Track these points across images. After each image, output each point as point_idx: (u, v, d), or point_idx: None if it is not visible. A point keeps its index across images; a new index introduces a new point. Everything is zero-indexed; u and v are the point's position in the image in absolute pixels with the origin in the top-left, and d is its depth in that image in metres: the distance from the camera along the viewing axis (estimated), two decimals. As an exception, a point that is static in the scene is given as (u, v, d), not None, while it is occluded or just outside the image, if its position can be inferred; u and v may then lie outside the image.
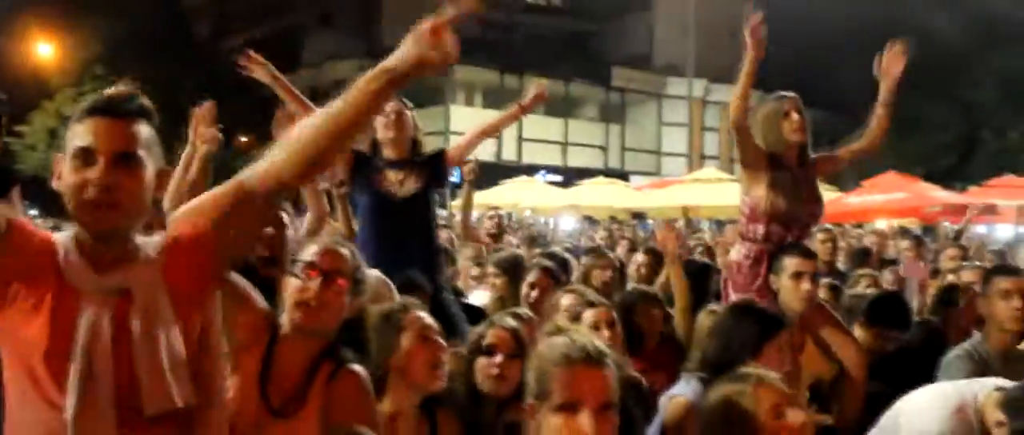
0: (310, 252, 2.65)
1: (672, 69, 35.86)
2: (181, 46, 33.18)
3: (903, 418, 3.34)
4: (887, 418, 3.44)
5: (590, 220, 19.06)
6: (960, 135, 35.97)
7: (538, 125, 34.11)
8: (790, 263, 4.09)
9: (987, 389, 3.18)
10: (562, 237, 11.97)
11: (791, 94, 4.53)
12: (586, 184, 22.03)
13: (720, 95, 35.45)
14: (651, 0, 37.54)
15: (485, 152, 31.61)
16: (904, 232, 12.58)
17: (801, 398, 2.62)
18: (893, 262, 8.35)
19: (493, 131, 5.29)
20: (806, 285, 4.05)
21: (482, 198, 21.90)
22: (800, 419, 2.51)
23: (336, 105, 2.08)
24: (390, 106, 4.64)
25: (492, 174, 24.77)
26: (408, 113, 4.81)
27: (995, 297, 4.01)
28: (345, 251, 2.70)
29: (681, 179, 21.25)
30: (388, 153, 4.74)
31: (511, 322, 3.27)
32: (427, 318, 2.94)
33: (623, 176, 30.62)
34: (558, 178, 28.88)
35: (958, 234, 11.15)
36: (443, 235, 7.08)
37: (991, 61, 34.84)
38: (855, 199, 16.23)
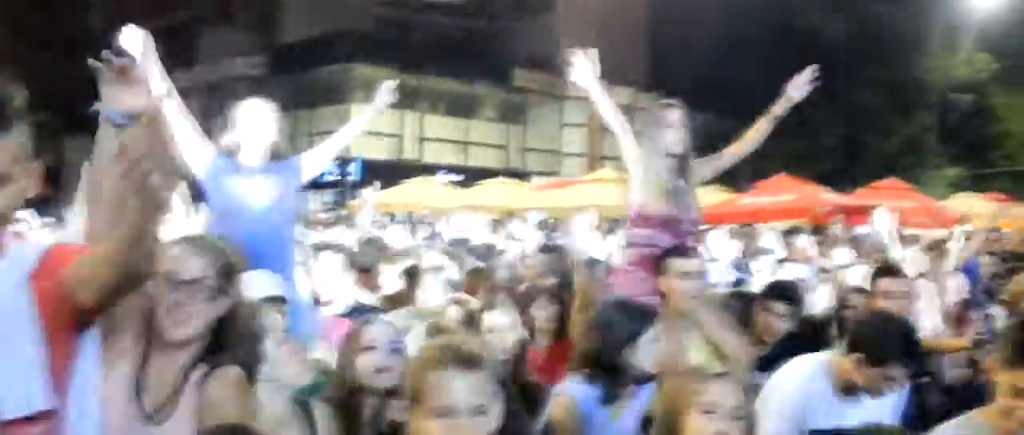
0: (170, 259, 2.55)
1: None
2: (70, 37, 32.00)
3: (772, 385, 3.59)
4: (767, 386, 3.65)
5: (491, 220, 19.08)
6: (847, 138, 37.25)
7: (439, 125, 34.10)
8: (676, 264, 4.18)
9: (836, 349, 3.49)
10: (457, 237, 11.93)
11: (675, 103, 4.62)
12: (486, 184, 22.05)
13: (620, 97, 35.83)
14: (552, 1, 37.79)
15: (385, 151, 31.48)
16: (795, 231, 12.91)
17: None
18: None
19: (351, 135, 5.19)
20: (692, 284, 4.13)
21: (381, 198, 21.81)
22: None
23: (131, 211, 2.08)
24: (252, 109, 4.55)
25: (392, 174, 24.60)
26: (270, 116, 4.65)
27: (878, 297, 4.20)
28: (209, 255, 2.61)
29: (580, 179, 21.41)
30: (247, 157, 4.57)
31: (387, 318, 3.31)
32: (279, 319, 2.92)
33: (523, 176, 30.75)
34: (458, 178, 28.83)
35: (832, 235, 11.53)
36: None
37: (876, 67, 36.21)
38: (748, 200, 16.63)
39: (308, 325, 4.18)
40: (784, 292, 5.00)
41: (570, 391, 3.38)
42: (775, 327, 4.74)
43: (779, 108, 4.88)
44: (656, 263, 4.30)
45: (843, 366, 3.44)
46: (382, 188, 21.60)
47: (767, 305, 4.81)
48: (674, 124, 4.51)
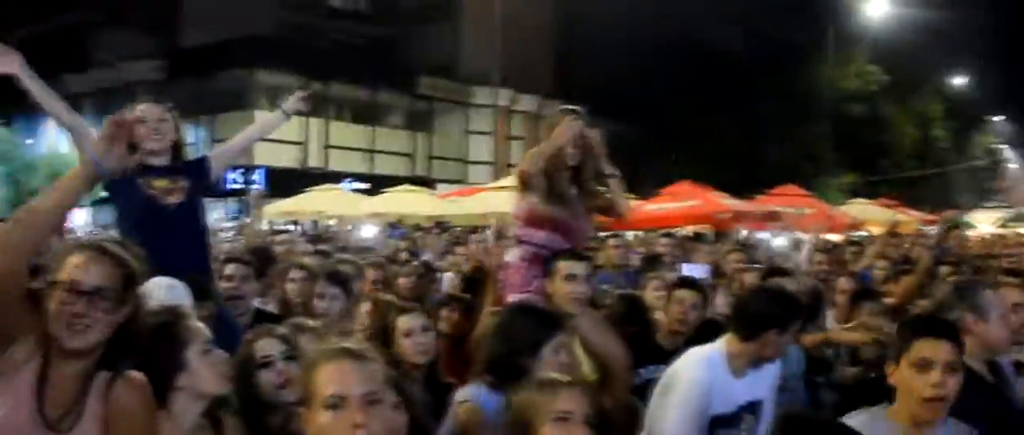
0: (71, 267, 2.46)
1: (478, 78, 36.21)
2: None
3: (677, 368, 3.61)
4: (665, 376, 3.67)
5: (394, 227, 18.93)
6: (747, 147, 38.21)
7: (344, 132, 33.71)
8: (564, 266, 4.19)
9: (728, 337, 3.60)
10: (361, 245, 11.81)
11: (578, 109, 4.66)
12: (391, 192, 21.90)
13: (525, 104, 36.10)
14: (457, 9, 37.78)
15: (289, 159, 31.01)
16: (697, 237, 13.17)
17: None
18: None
19: (257, 136, 5.10)
20: (578, 287, 4.15)
21: (286, 206, 21.48)
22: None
23: (41, 203, 2.24)
24: (154, 111, 4.45)
25: (297, 181, 24.23)
26: (171, 118, 4.54)
27: None
28: (111, 262, 2.52)
29: (486, 187, 21.42)
30: (152, 160, 4.45)
31: (280, 330, 3.31)
32: (203, 328, 2.86)
33: (429, 184, 30.63)
34: (364, 185, 28.56)
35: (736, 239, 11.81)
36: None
37: (774, 78, 37.27)
38: (653, 206, 16.88)
39: (233, 333, 4.10)
40: (691, 281, 5.09)
41: (475, 397, 3.36)
42: (688, 317, 4.80)
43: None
44: (545, 264, 4.33)
45: (733, 349, 3.55)
46: (288, 196, 21.43)
47: (677, 296, 4.86)
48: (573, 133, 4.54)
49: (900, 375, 2.82)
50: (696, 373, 3.54)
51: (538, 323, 3.43)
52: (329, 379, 2.23)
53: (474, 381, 3.45)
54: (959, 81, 48.36)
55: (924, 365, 2.75)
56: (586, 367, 4.35)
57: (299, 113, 5.19)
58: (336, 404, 2.19)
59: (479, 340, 4.04)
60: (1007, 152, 61.03)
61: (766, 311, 3.56)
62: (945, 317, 3.17)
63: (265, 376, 3.07)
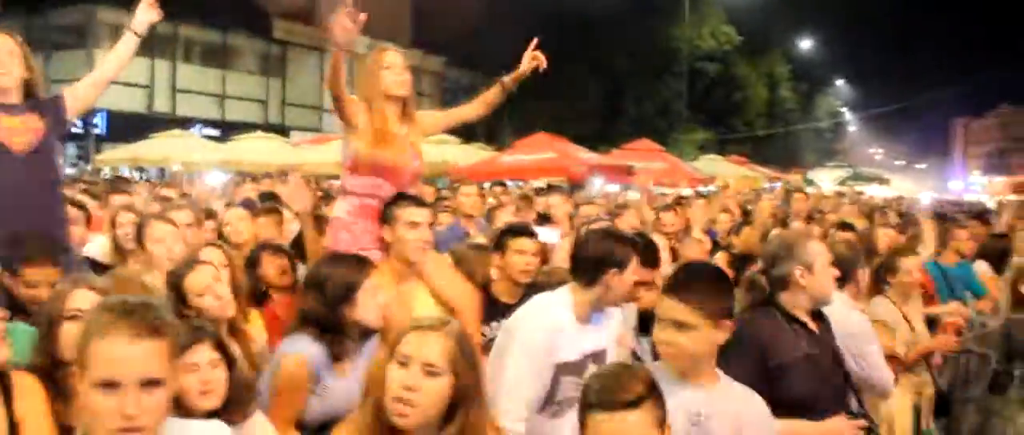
0: None
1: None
2: None
3: (521, 315, 3.55)
4: (509, 322, 3.62)
5: (246, 175, 18.36)
6: (604, 102, 38.77)
7: (193, 76, 32.28)
8: (404, 212, 4.00)
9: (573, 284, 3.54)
10: (208, 193, 11.31)
11: (393, 46, 4.43)
12: (244, 139, 21.19)
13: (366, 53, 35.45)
14: (315, -47, 36.70)
15: (134, 103, 29.60)
16: (552, 188, 13.17)
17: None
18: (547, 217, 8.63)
19: (114, 67, 4.64)
20: (421, 234, 4.01)
21: (130, 152, 20.52)
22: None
23: None
24: (2, 45, 4.00)
25: (142, 126, 23.14)
26: (20, 50, 4.10)
27: None
28: None
29: (341, 135, 21.01)
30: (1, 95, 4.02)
31: (98, 281, 3.08)
32: None
33: (283, 131, 29.82)
34: (215, 132, 27.54)
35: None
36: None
37: (632, 35, 37.80)
38: (509, 158, 16.85)
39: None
40: (523, 229, 4.96)
41: (299, 349, 3.19)
42: (528, 265, 4.68)
43: (511, 80, 4.80)
44: (381, 212, 4.13)
45: (577, 295, 3.49)
46: (132, 142, 20.44)
47: (516, 246, 4.71)
48: (394, 66, 4.30)
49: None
50: (541, 319, 3.46)
51: (347, 271, 3.34)
52: (104, 357, 1.97)
53: (296, 332, 3.27)
54: (806, 45, 50.32)
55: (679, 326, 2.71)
56: (435, 311, 4.26)
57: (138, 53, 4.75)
58: (109, 386, 1.94)
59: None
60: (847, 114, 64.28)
61: (603, 251, 3.50)
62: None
63: (68, 330, 2.80)
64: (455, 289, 4.27)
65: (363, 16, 3.86)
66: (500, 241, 4.67)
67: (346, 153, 4.26)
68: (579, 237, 4.06)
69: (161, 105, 30.83)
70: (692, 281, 2.80)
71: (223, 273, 3.80)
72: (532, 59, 4.78)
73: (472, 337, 4.04)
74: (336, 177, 13.25)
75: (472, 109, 4.79)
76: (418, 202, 4.10)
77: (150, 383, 1.96)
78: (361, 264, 3.41)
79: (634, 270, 3.53)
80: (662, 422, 2.28)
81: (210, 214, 6.22)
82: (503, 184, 14.73)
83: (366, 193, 4.19)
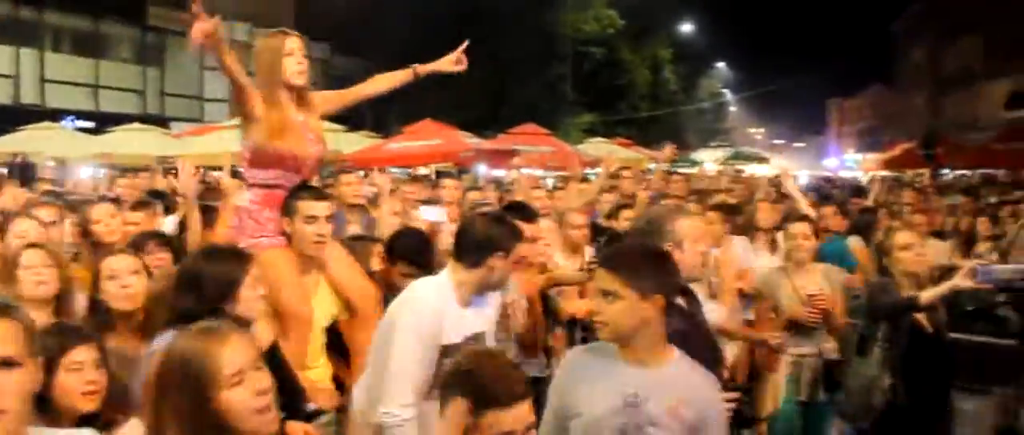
0: None
1: (214, 11, 34.30)
2: None
3: (405, 298, 3.56)
4: (393, 306, 3.62)
5: (123, 170, 17.71)
6: (491, 86, 38.76)
7: (63, 65, 30.85)
8: (303, 206, 3.98)
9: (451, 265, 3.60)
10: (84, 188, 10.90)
11: (292, 31, 4.31)
12: (120, 131, 20.44)
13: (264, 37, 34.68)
14: (192, -65, 35.48)
15: (0, 94, 28.18)
16: (441, 175, 13.15)
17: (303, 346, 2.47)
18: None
19: None
20: (318, 228, 3.97)
21: (-4, 146, 19.54)
22: (264, 384, 2.33)
23: None
24: None
25: (8, 118, 22.05)
26: None
27: None
28: None
29: (223, 125, 20.43)
30: None
31: None
32: None
33: (163, 122, 28.88)
34: (88, 124, 26.45)
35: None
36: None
37: (518, 18, 37.87)
38: (396, 145, 16.72)
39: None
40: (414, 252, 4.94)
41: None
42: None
43: (424, 69, 4.77)
44: (285, 202, 4.05)
45: (460, 277, 3.53)
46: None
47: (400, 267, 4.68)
48: (295, 52, 4.20)
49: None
50: (426, 302, 3.47)
51: (228, 266, 3.25)
52: None
53: (170, 329, 3.15)
54: (687, 28, 51.32)
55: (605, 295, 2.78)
56: (335, 306, 4.24)
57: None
58: None
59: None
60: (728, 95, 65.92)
61: (488, 235, 3.54)
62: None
63: None
64: (355, 285, 4.26)
65: (217, 18, 3.73)
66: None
67: (245, 145, 4.15)
68: (465, 220, 4.05)
69: (29, 96, 29.40)
70: (623, 254, 2.94)
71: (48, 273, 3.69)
72: (456, 62, 4.77)
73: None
74: (219, 168, 12.91)
75: (373, 86, 4.73)
76: (318, 195, 4.07)
77: (4, 363, 1.89)
78: (240, 258, 3.31)
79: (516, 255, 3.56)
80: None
81: (73, 208, 5.96)
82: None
83: (269, 184, 4.10)
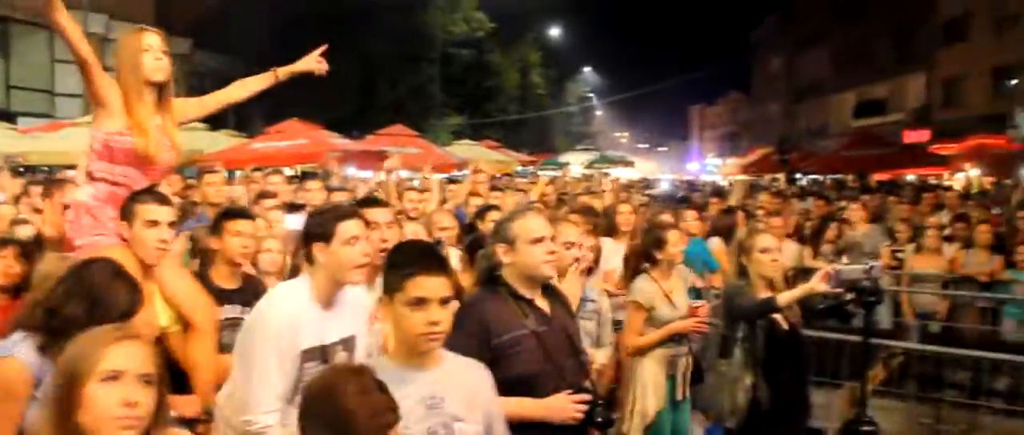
0: None
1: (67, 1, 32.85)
2: None
3: (264, 304, 3.45)
4: (253, 312, 3.52)
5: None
6: (359, 86, 38.37)
7: None
8: (144, 209, 3.79)
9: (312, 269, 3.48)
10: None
11: (151, 27, 4.14)
12: (-40, 125, 19.34)
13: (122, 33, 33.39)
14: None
15: None
16: (306, 176, 12.91)
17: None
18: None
19: None
20: (161, 233, 3.81)
21: None
22: (137, 399, 2.22)
23: None
24: None
25: None
26: None
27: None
28: None
29: (76, 121, 19.55)
30: None
31: None
32: None
33: (9, 117, 27.43)
34: (-76, 118, 24.85)
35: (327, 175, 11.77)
36: None
37: (386, 19, 37.60)
38: (260, 145, 16.32)
39: None
40: (241, 212, 4.83)
41: (19, 353, 2.90)
42: (246, 248, 4.55)
43: (285, 72, 4.65)
44: (122, 206, 3.87)
45: (314, 280, 3.42)
46: None
47: (234, 228, 4.55)
48: (153, 48, 4.03)
49: (394, 311, 2.81)
50: (280, 307, 3.36)
51: (129, 295, 3.10)
52: None
53: (21, 334, 2.98)
54: (555, 33, 52.03)
55: (419, 303, 2.75)
56: (167, 318, 4.06)
57: None
58: None
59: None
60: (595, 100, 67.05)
61: (307, 226, 3.51)
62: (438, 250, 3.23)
63: None
64: (190, 301, 4.09)
65: None
66: (217, 224, 4.50)
67: (97, 136, 3.94)
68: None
69: None
70: (441, 255, 2.94)
71: None
72: (317, 62, 4.68)
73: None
74: (71, 166, 12.39)
75: (235, 92, 4.57)
76: (160, 199, 3.86)
77: None
78: (134, 290, 3.15)
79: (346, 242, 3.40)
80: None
81: None
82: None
83: (116, 181, 3.90)
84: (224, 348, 4.08)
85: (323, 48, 4.74)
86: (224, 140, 18.09)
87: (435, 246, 3.44)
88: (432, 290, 2.74)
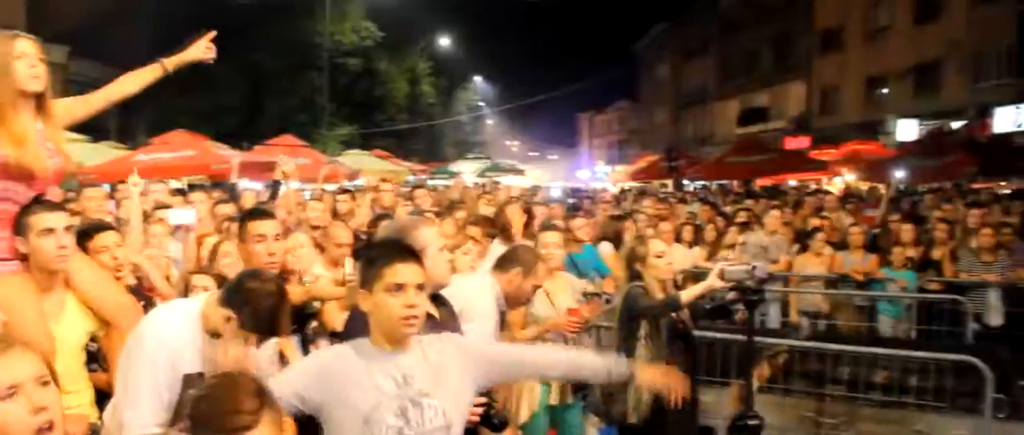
0: None
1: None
2: None
3: (145, 325, 3.37)
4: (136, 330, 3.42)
5: None
6: (247, 97, 37.69)
7: None
8: (36, 220, 3.69)
9: (207, 296, 3.51)
10: None
11: (24, 33, 3.95)
12: None
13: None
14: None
15: None
16: (193, 188, 12.64)
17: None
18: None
19: None
20: (60, 240, 3.71)
21: None
22: (44, 401, 2.21)
23: None
24: None
25: None
26: None
27: (250, 240, 4.23)
28: None
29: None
30: None
31: None
32: None
33: None
34: None
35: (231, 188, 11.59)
36: None
37: (274, 29, 37.04)
38: (145, 156, 15.88)
39: None
40: (104, 226, 4.75)
41: None
42: (116, 260, 4.48)
43: (173, 62, 4.51)
44: (16, 220, 3.74)
45: (209, 312, 3.32)
46: None
47: (99, 241, 4.48)
48: (27, 55, 3.85)
49: (374, 300, 2.97)
50: (164, 329, 3.28)
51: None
52: None
53: None
54: (445, 42, 52.02)
55: (398, 289, 2.93)
56: (92, 324, 4.00)
57: None
58: None
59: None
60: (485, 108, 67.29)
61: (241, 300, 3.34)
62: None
63: None
64: (108, 299, 4.01)
65: None
66: (80, 238, 4.36)
67: None
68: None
69: None
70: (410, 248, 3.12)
71: None
72: (206, 49, 4.55)
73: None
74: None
75: (121, 87, 4.36)
76: (50, 206, 3.75)
77: None
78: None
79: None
80: (280, 423, 2.27)
81: None
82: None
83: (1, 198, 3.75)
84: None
85: (211, 34, 4.61)
86: (106, 152, 17.54)
87: (404, 240, 3.45)
88: (408, 276, 2.94)
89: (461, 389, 3.10)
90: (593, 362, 3.46)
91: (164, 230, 6.20)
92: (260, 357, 3.45)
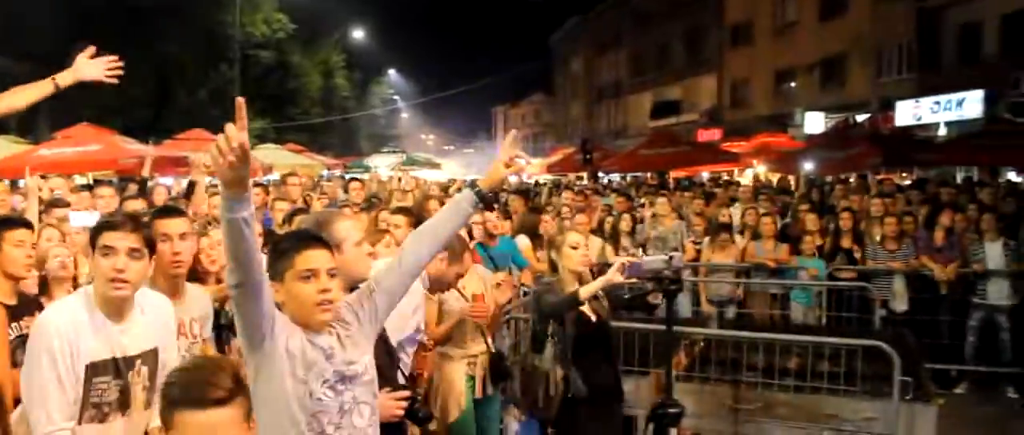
0: None
1: None
2: None
3: (43, 317, 3.28)
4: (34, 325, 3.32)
5: None
6: (154, 90, 36.76)
7: None
8: None
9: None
10: None
11: None
12: None
13: None
14: None
15: None
16: (99, 183, 12.30)
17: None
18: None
19: None
20: None
21: None
22: None
23: None
24: None
25: None
26: None
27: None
28: None
29: None
30: None
31: None
32: None
33: None
34: None
35: (143, 183, 11.29)
36: None
37: (183, 21, 36.19)
38: (48, 151, 15.37)
39: None
40: (20, 221, 4.60)
41: None
42: (29, 259, 4.34)
43: (66, 80, 4.30)
44: None
45: (98, 293, 3.28)
46: None
47: (12, 238, 4.33)
48: None
49: (287, 289, 2.99)
50: (58, 321, 3.19)
51: None
52: None
53: None
54: (358, 35, 51.57)
55: (309, 275, 2.97)
56: None
57: None
58: None
59: None
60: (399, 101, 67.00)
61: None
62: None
63: None
64: None
65: None
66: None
67: None
68: None
69: None
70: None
71: None
72: (106, 69, 4.33)
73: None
74: None
75: (6, 102, 4.20)
76: None
77: None
78: None
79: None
80: (249, 415, 2.25)
81: None
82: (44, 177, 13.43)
83: None
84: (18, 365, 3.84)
85: (115, 58, 4.41)
86: (6, 146, 16.95)
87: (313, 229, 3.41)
88: (319, 262, 2.98)
89: (371, 335, 3.26)
90: (449, 209, 3.47)
91: (56, 236, 5.94)
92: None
